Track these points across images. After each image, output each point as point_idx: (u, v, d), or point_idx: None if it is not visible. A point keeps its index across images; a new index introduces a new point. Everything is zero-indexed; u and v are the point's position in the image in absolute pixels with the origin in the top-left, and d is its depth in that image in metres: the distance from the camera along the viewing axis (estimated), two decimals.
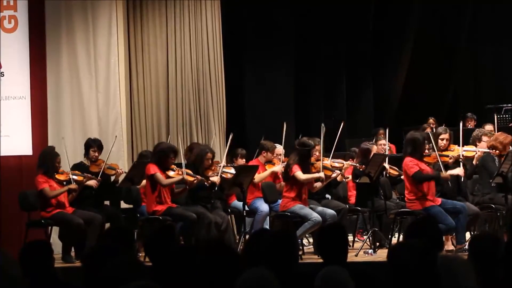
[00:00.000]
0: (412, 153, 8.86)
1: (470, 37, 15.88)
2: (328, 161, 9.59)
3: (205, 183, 9.36)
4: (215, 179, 9.43)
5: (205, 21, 11.70)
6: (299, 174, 8.97)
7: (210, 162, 9.57)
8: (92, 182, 9.44)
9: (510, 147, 9.34)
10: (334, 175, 9.42)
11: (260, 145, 10.29)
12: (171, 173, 9.21)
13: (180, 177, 9.15)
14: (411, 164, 8.79)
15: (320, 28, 14.49)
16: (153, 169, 9.14)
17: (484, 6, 15.81)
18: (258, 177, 9.74)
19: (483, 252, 4.00)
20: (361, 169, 9.49)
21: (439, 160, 8.99)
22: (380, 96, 15.36)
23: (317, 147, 9.52)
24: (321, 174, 9.10)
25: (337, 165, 9.67)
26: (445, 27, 15.53)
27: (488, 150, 9.31)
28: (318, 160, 9.40)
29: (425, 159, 9.00)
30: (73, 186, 9.29)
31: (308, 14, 14.31)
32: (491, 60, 15.99)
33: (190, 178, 9.22)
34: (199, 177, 9.27)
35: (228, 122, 11.93)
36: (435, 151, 9.05)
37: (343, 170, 9.70)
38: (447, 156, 9.16)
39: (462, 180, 9.30)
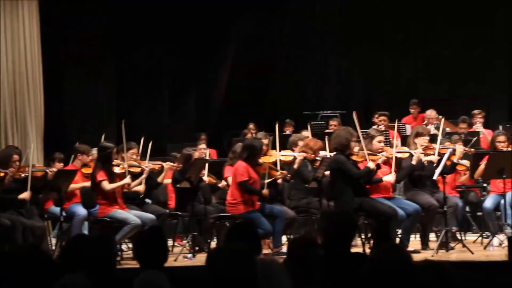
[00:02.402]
0: (247, 158, 9.03)
1: (289, 45, 16.33)
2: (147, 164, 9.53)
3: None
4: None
5: (22, 22, 11.35)
6: (105, 185, 8.91)
7: (18, 164, 9.25)
8: None
9: (321, 152, 9.75)
10: (144, 175, 9.36)
11: (74, 149, 10.11)
12: None
13: None
14: (242, 170, 8.96)
15: (142, 33, 14.40)
16: None
17: (302, 15, 16.30)
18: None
19: (300, 255, 4.10)
20: (179, 169, 9.58)
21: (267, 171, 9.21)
22: (202, 101, 15.47)
23: (133, 150, 9.52)
24: (127, 180, 9.07)
25: (151, 165, 9.62)
26: (266, 34, 15.87)
27: (304, 155, 9.62)
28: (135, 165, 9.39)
29: (257, 168, 9.18)
30: None
31: (125, 20, 14.15)
32: (310, 67, 16.49)
33: None
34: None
35: (46, 126, 11.62)
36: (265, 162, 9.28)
37: (164, 171, 9.72)
38: (277, 170, 9.38)
39: (280, 185, 9.61)
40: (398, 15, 15.82)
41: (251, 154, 9.07)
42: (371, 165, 8.83)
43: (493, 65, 15.76)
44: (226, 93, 15.51)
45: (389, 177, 9.05)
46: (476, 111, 13.00)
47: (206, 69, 15.38)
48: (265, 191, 9.10)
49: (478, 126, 12.77)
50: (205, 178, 9.86)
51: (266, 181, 9.20)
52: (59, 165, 10.22)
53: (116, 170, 9.15)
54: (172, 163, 9.82)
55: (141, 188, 9.36)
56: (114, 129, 12.89)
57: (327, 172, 9.17)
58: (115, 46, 14.16)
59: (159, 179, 9.84)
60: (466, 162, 9.90)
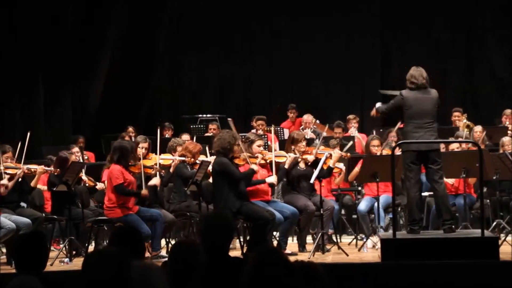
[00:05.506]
0: (119, 160, 8.95)
1: (168, 47, 16.30)
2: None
3: None
4: None
5: None
6: None
7: None
8: None
9: (200, 155, 9.83)
10: (18, 175, 9.18)
11: None
12: None
13: None
14: (116, 173, 8.87)
15: (21, 34, 14.00)
16: None
17: (181, 17, 16.29)
18: None
19: (182, 259, 4.09)
20: (55, 173, 9.39)
21: (142, 172, 9.16)
22: (79, 104, 15.19)
23: (7, 154, 9.32)
24: (4, 181, 8.87)
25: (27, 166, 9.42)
26: (144, 37, 15.77)
27: (183, 159, 9.65)
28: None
29: (131, 168, 9.12)
30: None
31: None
32: (189, 71, 16.52)
33: None
34: None
35: None
36: (140, 161, 9.20)
37: (37, 175, 9.50)
38: (151, 168, 9.36)
39: (159, 188, 9.59)
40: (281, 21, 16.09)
41: (122, 155, 9.01)
42: (254, 167, 9.00)
43: (367, 69, 16.21)
44: (103, 95, 15.29)
45: (272, 179, 9.23)
46: (351, 116, 13.36)
47: (83, 70, 15.10)
48: (144, 191, 9.05)
49: (353, 131, 13.11)
50: (84, 179, 9.71)
51: (151, 183, 9.21)
52: None
53: None
54: (45, 167, 9.61)
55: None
56: None
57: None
58: None
59: (32, 184, 9.62)
60: (342, 165, 10.15)
